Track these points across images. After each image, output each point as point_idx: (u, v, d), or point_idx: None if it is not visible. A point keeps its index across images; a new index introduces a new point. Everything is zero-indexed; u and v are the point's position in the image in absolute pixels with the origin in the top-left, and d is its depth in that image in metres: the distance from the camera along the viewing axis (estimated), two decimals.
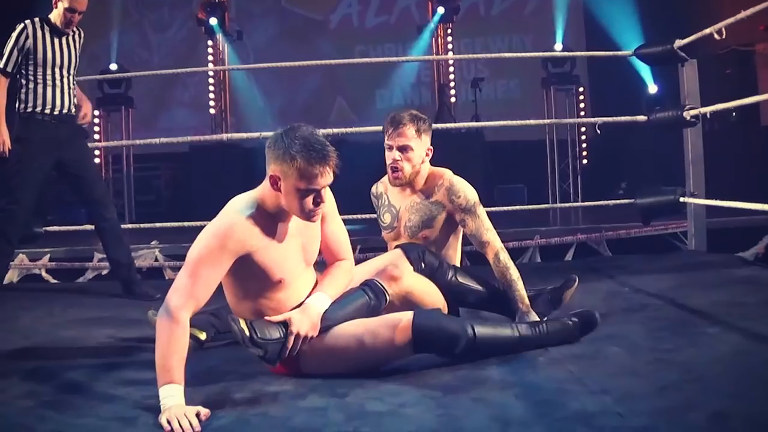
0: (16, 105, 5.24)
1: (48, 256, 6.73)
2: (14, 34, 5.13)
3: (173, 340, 2.78)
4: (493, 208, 6.77)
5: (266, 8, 13.88)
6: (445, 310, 3.58)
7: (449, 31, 12.26)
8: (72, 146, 5.34)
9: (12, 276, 6.58)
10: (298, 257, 3.16)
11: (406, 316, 3.09)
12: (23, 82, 5.20)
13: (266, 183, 3.02)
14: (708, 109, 5.49)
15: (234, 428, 2.59)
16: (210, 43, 12.40)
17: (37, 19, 5.20)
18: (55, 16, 5.19)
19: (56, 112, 5.26)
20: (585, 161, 11.52)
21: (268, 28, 13.88)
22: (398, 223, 3.97)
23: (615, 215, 7.71)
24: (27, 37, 5.13)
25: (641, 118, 5.99)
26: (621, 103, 8.48)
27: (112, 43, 12.79)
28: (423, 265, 3.61)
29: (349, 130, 6.94)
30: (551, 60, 11.19)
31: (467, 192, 3.89)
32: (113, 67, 12.02)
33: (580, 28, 12.78)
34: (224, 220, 2.99)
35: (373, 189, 4.17)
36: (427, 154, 3.93)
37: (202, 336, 3.63)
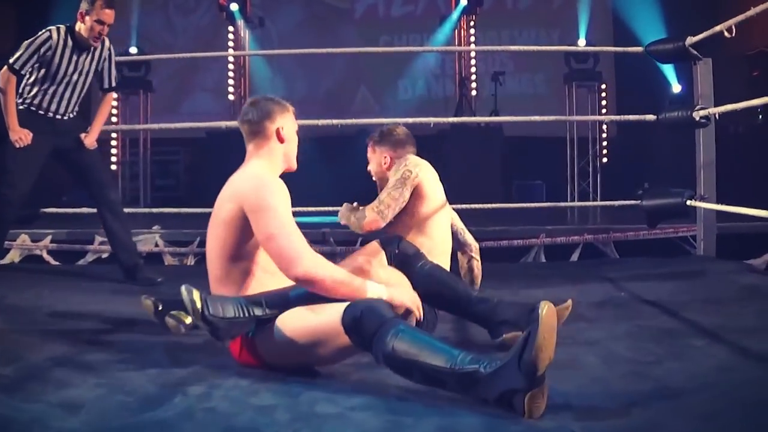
0: (16, 97, 5.19)
1: (49, 237, 6.71)
2: (38, 40, 5.08)
3: (339, 279, 3.02)
4: (504, 205, 6.69)
5: None
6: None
7: (472, 23, 12.08)
8: (69, 134, 5.33)
9: (14, 256, 6.59)
10: None
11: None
12: (29, 79, 5.17)
13: (269, 147, 3.27)
14: (719, 110, 5.30)
15: (176, 422, 2.51)
16: (231, 29, 12.33)
17: (62, 30, 5.14)
18: (82, 28, 5.13)
19: (51, 115, 5.25)
20: (605, 160, 11.31)
21: (293, 16, 13.79)
22: None
23: (631, 216, 7.53)
24: (49, 48, 5.09)
25: (650, 117, 5.82)
26: (646, 101, 8.30)
27: (133, 26, 12.72)
28: (397, 250, 3.64)
29: (370, 120, 6.82)
30: (574, 55, 11.00)
31: (399, 164, 4.05)
32: (133, 50, 11.97)
33: (607, 24, 12.55)
34: (271, 177, 3.21)
35: None
36: (386, 162, 4.14)
37: (188, 320, 3.54)
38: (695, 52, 5.45)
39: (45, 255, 6.66)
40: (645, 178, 10.73)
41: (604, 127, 11.30)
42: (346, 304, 2.90)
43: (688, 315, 4.01)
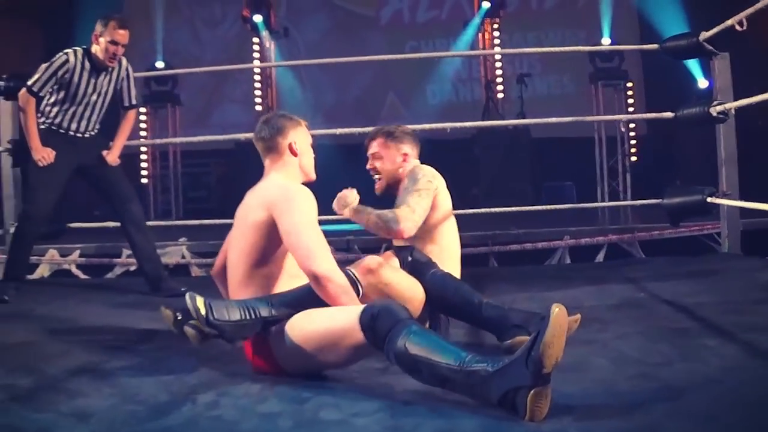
0: (38, 116, 5.30)
1: (78, 252, 6.80)
2: (56, 63, 5.19)
3: (346, 288, 3.11)
4: (534, 207, 6.67)
5: (317, 4, 13.87)
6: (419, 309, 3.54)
7: (496, 25, 12.07)
8: (91, 152, 5.43)
9: (43, 271, 6.69)
10: None
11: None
12: (50, 100, 5.29)
13: (283, 161, 3.40)
14: (735, 105, 5.26)
15: (180, 430, 2.56)
16: (256, 40, 12.41)
17: (80, 52, 5.24)
18: (97, 50, 5.22)
19: (72, 133, 5.34)
20: (634, 158, 11.22)
21: (319, 25, 13.86)
22: None
23: (661, 215, 7.48)
24: (66, 71, 5.20)
25: (668, 114, 5.79)
26: (675, 98, 8.22)
27: (159, 40, 12.88)
28: (410, 258, 3.69)
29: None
30: (599, 55, 10.95)
31: (417, 169, 3.99)
32: (159, 64, 12.10)
33: (632, 22, 12.47)
34: (298, 184, 3.33)
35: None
36: (404, 160, 4.07)
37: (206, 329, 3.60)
38: (710, 47, 5.40)
39: (74, 269, 6.75)
40: (676, 176, 10.67)
41: (632, 125, 11.21)
42: (362, 305, 2.97)
43: (704, 314, 3.98)
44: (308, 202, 3.22)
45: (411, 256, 3.71)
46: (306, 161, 3.45)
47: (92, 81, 5.27)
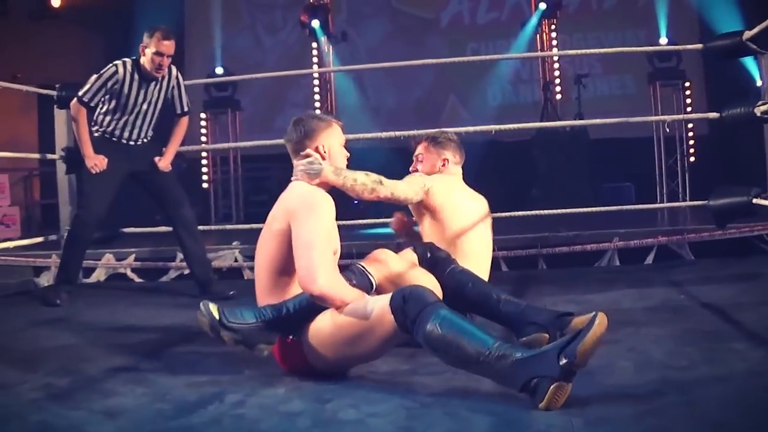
0: (92, 124, 5.48)
1: (133, 256, 6.94)
2: (105, 74, 5.36)
3: (348, 301, 3.13)
4: (593, 209, 6.65)
5: (377, 8, 13.91)
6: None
7: (554, 26, 12.01)
8: (143, 159, 5.58)
9: (99, 275, 6.84)
10: (337, 235, 3.44)
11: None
12: (102, 109, 5.46)
13: None
14: None
15: (202, 428, 2.64)
16: (314, 45, 12.52)
17: (129, 63, 5.40)
18: (145, 61, 5.37)
19: (124, 141, 5.48)
20: (692, 159, 11.07)
21: (379, 28, 13.91)
22: None
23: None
24: (116, 82, 5.36)
25: (714, 115, 5.73)
26: (737, 97, 8.07)
27: (219, 47, 13.08)
28: (429, 254, 3.77)
29: (458, 129, 6.81)
30: (657, 54, 10.83)
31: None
32: (219, 70, 12.30)
33: (691, 21, 12.27)
34: (316, 193, 3.34)
35: None
36: (443, 165, 4.26)
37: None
38: (754, 46, 5.33)
39: (129, 273, 6.90)
40: (737, 177, 10.48)
41: (690, 125, 11.06)
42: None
43: (740, 317, 3.96)
44: (323, 212, 3.24)
45: (430, 252, 3.78)
46: (337, 164, 3.49)
47: (142, 91, 5.41)
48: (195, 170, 12.06)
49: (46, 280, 6.29)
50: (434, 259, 3.76)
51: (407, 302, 2.94)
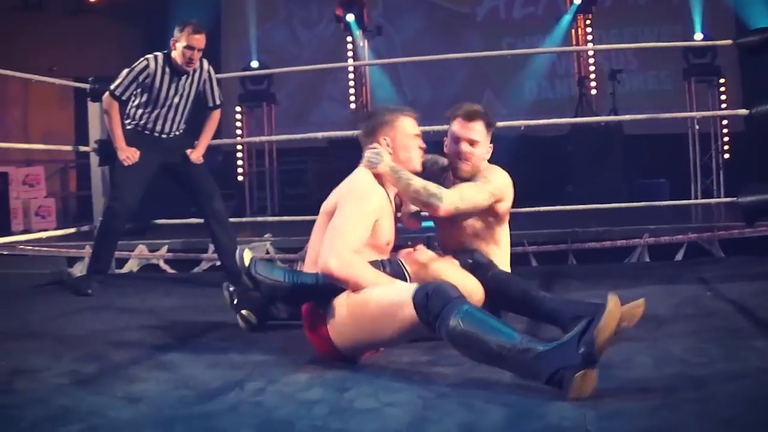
0: (124, 117, 5.57)
1: (166, 247, 7.02)
2: (137, 68, 5.43)
3: (363, 283, 3.22)
4: (627, 204, 6.64)
5: (412, 2, 13.93)
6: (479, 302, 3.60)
7: (589, 21, 11.95)
8: (176, 151, 5.64)
9: (132, 266, 6.93)
10: (392, 227, 3.55)
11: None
12: (135, 102, 5.54)
13: None
14: None
15: (219, 414, 2.70)
16: (349, 39, 12.55)
17: (160, 57, 5.46)
18: (176, 55, 5.42)
19: (157, 134, 5.56)
20: (727, 156, 10.98)
21: (415, 22, 13.92)
22: None
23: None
24: (147, 76, 5.43)
25: (743, 111, 5.69)
26: None
27: (254, 41, 13.16)
28: (470, 261, 3.75)
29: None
30: (693, 50, 10.75)
31: (488, 171, 3.90)
32: (254, 64, 12.38)
33: (726, 16, 12.14)
34: (366, 181, 3.47)
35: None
36: (488, 151, 3.96)
37: (254, 320, 3.89)
38: None
39: (162, 264, 6.97)
40: None
41: (725, 122, 10.96)
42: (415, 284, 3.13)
43: (763, 315, 3.94)
44: (366, 202, 3.37)
45: (472, 258, 3.77)
46: (404, 156, 3.62)
47: (173, 84, 5.47)
48: (230, 163, 12.17)
49: (79, 270, 6.38)
50: (476, 265, 3.74)
51: (430, 298, 2.99)
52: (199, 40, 5.38)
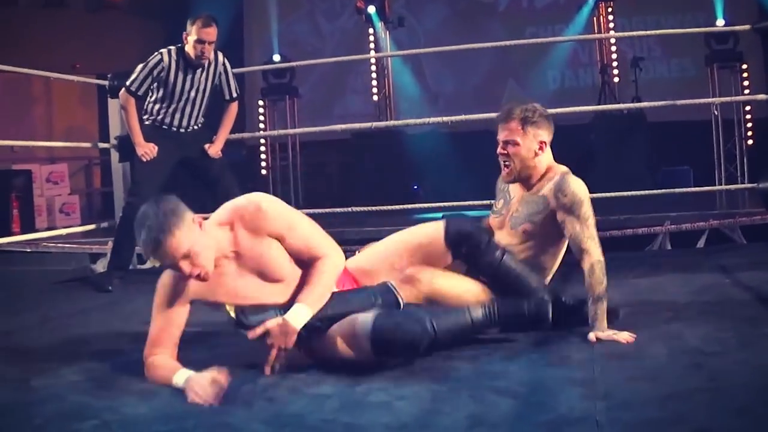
0: (142, 113, 5.62)
1: None
2: (150, 63, 5.47)
3: (154, 371, 3.10)
4: (651, 192, 6.62)
5: None
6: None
7: (610, 9, 11.87)
8: (194, 145, 5.67)
9: (154, 261, 6.93)
10: (255, 284, 3.21)
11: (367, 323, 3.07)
12: (152, 98, 5.57)
13: None
14: None
15: (231, 409, 2.72)
16: (371, 31, 12.55)
17: (173, 51, 5.49)
18: (188, 49, 5.45)
19: (175, 129, 5.58)
20: (750, 142, 10.88)
21: (437, 13, 13.86)
22: (506, 212, 3.80)
23: None
24: (162, 70, 5.46)
25: (762, 97, 5.65)
26: None
27: (276, 34, 13.19)
28: (464, 249, 3.55)
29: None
30: (715, 36, 10.65)
31: (576, 191, 3.62)
32: (276, 58, 12.41)
33: (751, 3, 11.98)
34: (162, 276, 3.25)
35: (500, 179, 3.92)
36: (540, 148, 3.69)
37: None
38: None
39: None
40: None
41: (747, 108, 10.86)
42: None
43: None
44: (158, 292, 3.28)
45: (465, 242, 3.56)
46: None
47: (188, 78, 5.49)
48: (254, 157, 12.22)
49: (102, 266, 6.43)
50: (472, 249, 3.55)
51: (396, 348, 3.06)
52: (210, 33, 5.38)
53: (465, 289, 3.55)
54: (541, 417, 2.47)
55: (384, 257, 3.59)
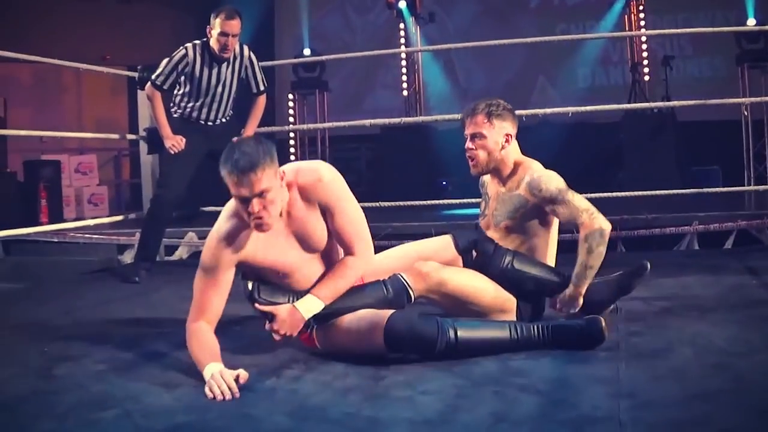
0: (171, 105, 5.62)
1: None
2: (176, 57, 5.49)
3: (194, 346, 3.08)
4: (679, 191, 6.59)
5: None
6: (497, 301, 3.58)
7: (641, 7, 11.80)
8: (222, 138, 5.65)
9: (182, 253, 7.01)
10: (293, 251, 3.22)
11: (384, 317, 3.11)
12: (178, 92, 5.60)
13: None
14: None
15: (255, 400, 2.74)
16: (401, 26, 12.54)
17: (198, 46, 5.49)
18: (212, 42, 5.45)
19: (202, 122, 5.61)
20: None
21: (467, 9, 13.82)
22: (488, 211, 3.88)
23: None
24: (186, 65, 5.48)
25: None
26: None
27: (306, 28, 13.21)
28: (475, 254, 3.61)
29: (533, 111, 6.76)
30: (745, 36, 10.56)
31: (549, 184, 3.66)
32: (306, 52, 12.43)
33: None
34: (214, 231, 3.19)
35: (482, 177, 4.01)
36: (507, 141, 3.77)
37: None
38: None
39: None
40: None
41: None
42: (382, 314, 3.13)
43: None
44: (204, 254, 3.22)
45: (476, 249, 3.64)
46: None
47: (214, 72, 5.50)
48: (283, 150, 12.24)
49: (129, 257, 6.48)
50: (482, 256, 3.62)
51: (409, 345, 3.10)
52: (233, 25, 5.36)
53: (473, 282, 3.56)
54: (564, 415, 2.46)
55: (397, 263, 3.60)
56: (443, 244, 3.66)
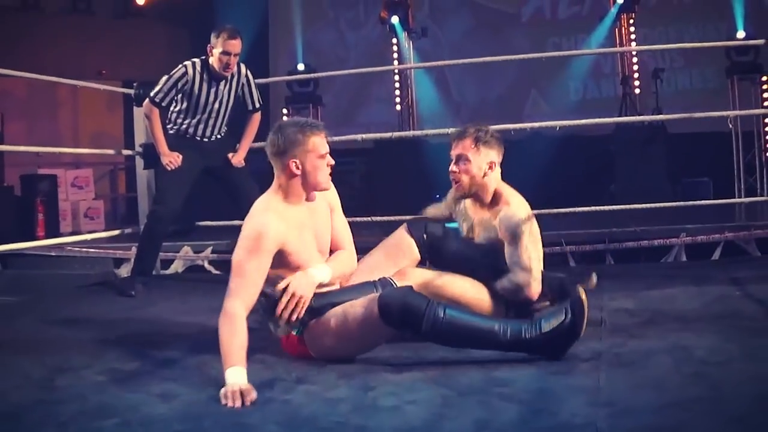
0: (166, 122, 5.72)
1: (210, 248, 7.14)
2: (175, 75, 5.57)
3: (228, 332, 3.17)
4: (670, 204, 6.69)
5: (457, 3, 13.96)
6: (480, 295, 3.78)
7: (632, 21, 11.93)
8: (217, 154, 5.78)
9: (177, 266, 7.06)
10: (312, 246, 3.53)
11: (377, 295, 3.33)
12: (176, 108, 5.69)
13: (280, 177, 3.52)
14: None
15: (247, 411, 2.82)
16: (394, 40, 12.66)
17: (198, 63, 5.58)
18: (213, 61, 5.54)
19: (198, 138, 5.71)
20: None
21: (460, 24, 13.97)
22: (473, 234, 3.99)
23: None
24: (186, 82, 5.57)
25: None
26: None
27: (300, 43, 13.32)
28: (425, 237, 3.85)
29: (521, 126, 6.86)
30: (735, 48, 10.69)
31: (514, 225, 3.80)
32: (300, 67, 12.54)
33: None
34: (256, 221, 3.39)
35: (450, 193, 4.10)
36: (490, 168, 3.92)
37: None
38: None
39: (206, 265, 7.09)
40: None
41: (767, 120, 10.87)
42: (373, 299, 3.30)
43: None
44: (250, 239, 3.33)
45: (426, 233, 3.87)
46: (314, 178, 3.50)
47: (212, 90, 5.60)
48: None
49: (125, 271, 6.54)
50: (432, 238, 3.87)
51: (399, 313, 3.23)
52: (235, 45, 5.47)
53: (455, 282, 3.76)
54: (544, 423, 2.57)
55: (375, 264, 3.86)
56: (399, 234, 3.91)
